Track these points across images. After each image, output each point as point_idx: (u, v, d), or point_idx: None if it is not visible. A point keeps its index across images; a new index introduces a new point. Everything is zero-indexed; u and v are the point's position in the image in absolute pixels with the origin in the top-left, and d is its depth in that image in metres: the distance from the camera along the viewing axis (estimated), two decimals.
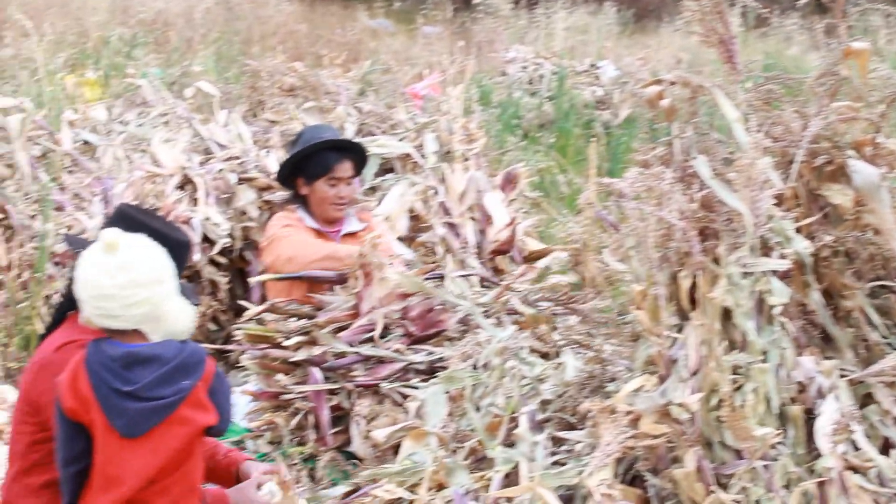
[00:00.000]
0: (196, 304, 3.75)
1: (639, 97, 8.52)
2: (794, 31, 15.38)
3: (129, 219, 3.38)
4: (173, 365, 2.99)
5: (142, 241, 3.09)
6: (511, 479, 3.62)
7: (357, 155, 5.37)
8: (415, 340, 4.66)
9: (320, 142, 5.27)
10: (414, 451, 3.84)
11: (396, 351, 4.57)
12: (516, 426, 3.80)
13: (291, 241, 5.09)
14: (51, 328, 3.42)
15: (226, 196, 6.24)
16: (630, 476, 3.48)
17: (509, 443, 3.78)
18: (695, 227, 3.25)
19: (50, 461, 3.15)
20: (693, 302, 3.31)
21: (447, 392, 4.10)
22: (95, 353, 3.03)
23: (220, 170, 6.31)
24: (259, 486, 3.46)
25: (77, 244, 3.36)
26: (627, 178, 3.29)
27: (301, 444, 4.58)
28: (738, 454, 3.27)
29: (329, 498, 3.96)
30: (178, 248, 3.25)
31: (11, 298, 5.93)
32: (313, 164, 5.24)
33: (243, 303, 5.06)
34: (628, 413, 3.25)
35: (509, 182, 6.55)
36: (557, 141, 9.99)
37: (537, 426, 3.76)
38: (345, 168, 5.25)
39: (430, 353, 4.56)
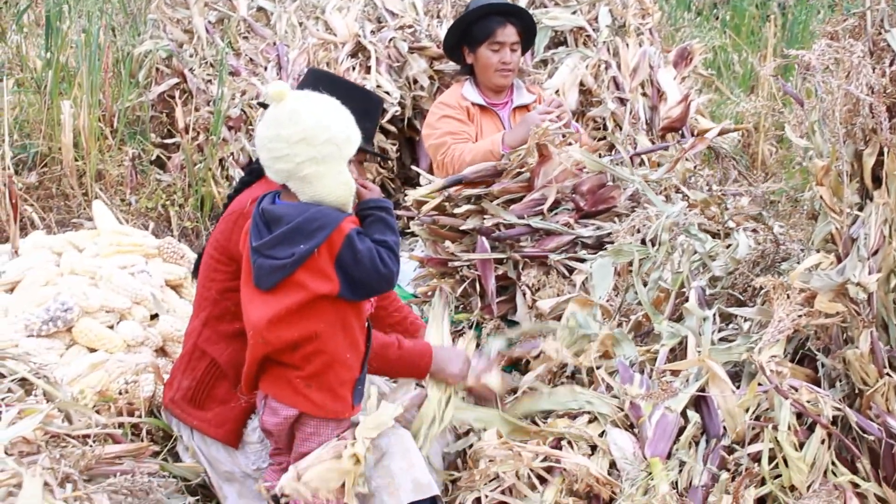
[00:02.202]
0: (390, 158, 3.77)
1: None
2: None
3: (319, 76, 3.45)
4: (291, 227, 3.00)
5: (311, 101, 3.05)
6: (677, 354, 3.62)
7: (522, 22, 5.27)
8: (584, 215, 4.63)
9: (482, 5, 5.22)
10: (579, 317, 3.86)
11: (566, 225, 4.55)
12: (684, 302, 3.78)
13: (451, 150, 5.06)
14: (249, 182, 3.53)
15: (397, 65, 6.26)
16: (800, 355, 3.44)
17: (676, 318, 3.77)
18: (884, 103, 3.12)
19: (241, 310, 3.26)
20: (877, 180, 3.20)
21: (614, 265, 4.09)
22: (257, 207, 3.12)
23: (392, 38, 6.33)
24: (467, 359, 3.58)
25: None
26: (815, 50, 3.17)
27: (466, 310, 4.65)
28: None
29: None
30: (375, 103, 3.28)
31: (187, 160, 6.11)
32: (476, 29, 5.19)
33: (417, 168, 5.08)
34: (803, 291, 3.19)
35: (683, 58, 6.39)
36: (731, 19, 9.68)
37: (706, 302, 3.73)
38: (508, 33, 5.18)
39: (599, 228, 4.54)
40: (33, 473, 2.48)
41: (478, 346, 3.92)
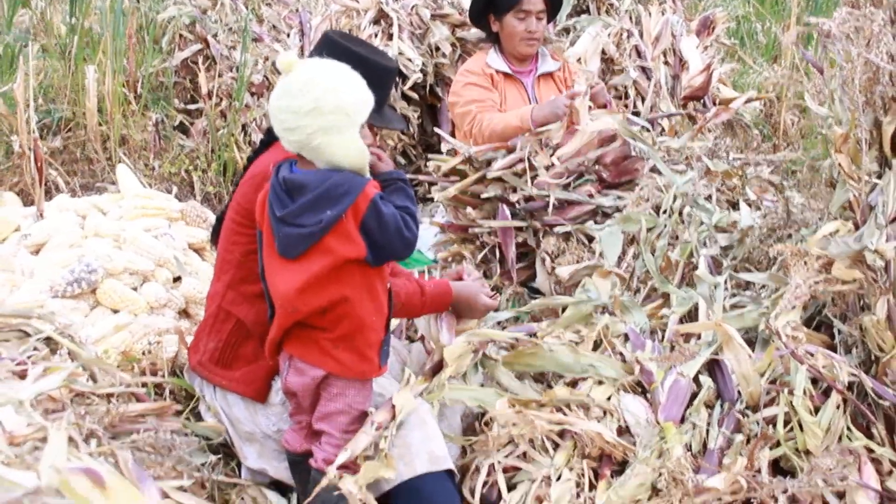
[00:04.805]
0: (402, 128, 3.81)
1: None
2: None
3: (332, 43, 3.46)
4: (317, 194, 3.03)
5: (320, 69, 3.07)
6: (687, 322, 3.66)
7: None
8: (607, 186, 4.65)
9: None
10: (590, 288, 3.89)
11: (588, 195, 4.57)
12: (694, 270, 3.81)
13: (478, 120, 5.07)
14: (268, 143, 3.56)
15: (419, 32, 6.28)
16: (816, 322, 3.46)
17: (689, 285, 3.80)
18: None
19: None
20: (895, 148, 3.22)
21: (623, 233, 4.12)
22: (275, 175, 3.15)
23: (415, 6, 6.34)
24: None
25: None
26: (836, 18, 3.17)
27: (486, 276, 4.68)
28: None
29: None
30: (382, 73, 3.29)
31: (211, 126, 6.15)
32: None
33: (440, 132, 5.09)
34: (820, 257, 3.21)
35: (706, 27, 6.39)
36: None
37: (717, 269, 3.75)
38: (534, 1, 5.16)
39: (619, 198, 4.55)
40: (58, 428, 2.53)
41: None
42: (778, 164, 4.96)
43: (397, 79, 6.01)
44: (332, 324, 3.12)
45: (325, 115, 2.98)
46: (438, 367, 3.51)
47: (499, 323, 4.16)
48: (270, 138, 3.50)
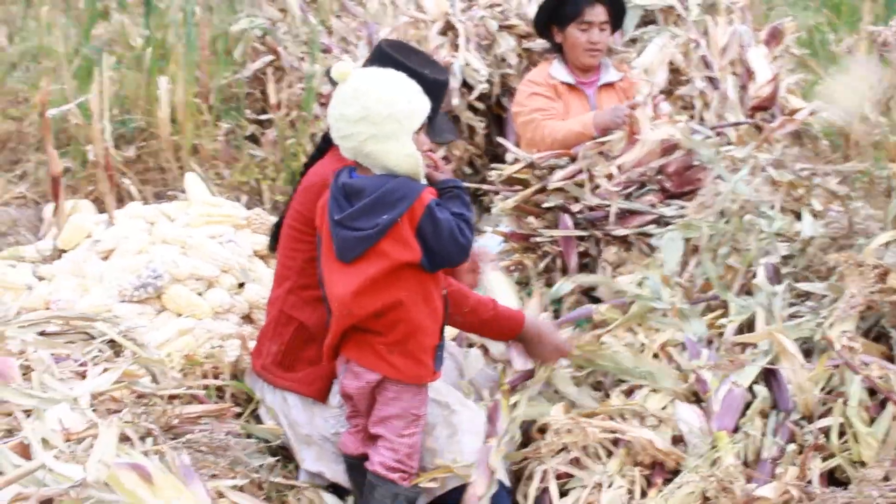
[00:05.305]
0: (453, 139, 3.85)
1: None
2: None
3: (384, 55, 3.51)
4: (373, 198, 3.09)
5: (370, 77, 3.14)
6: (745, 331, 3.65)
7: (611, 1, 5.28)
8: (670, 196, 4.64)
9: None
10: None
11: (651, 205, 4.57)
12: (754, 278, 3.79)
13: (541, 127, 5.11)
14: (324, 150, 3.62)
15: (486, 43, 6.31)
16: (875, 332, 3.43)
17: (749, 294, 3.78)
18: None
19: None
20: None
21: (683, 240, 4.11)
22: (335, 180, 3.22)
23: (482, 17, 6.38)
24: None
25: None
26: (892, 26, 3.16)
27: (548, 285, 4.69)
28: None
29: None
30: (432, 86, 3.33)
31: (280, 136, 6.25)
32: (565, 9, 5.23)
33: (502, 140, 5.12)
34: (877, 267, 3.19)
35: (774, 37, 6.34)
36: None
37: (776, 278, 3.73)
38: (596, 13, 5.20)
39: (682, 208, 4.54)
40: (109, 425, 2.60)
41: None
42: (846, 175, 4.91)
43: (463, 89, 6.06)
44: (387, 328, 3.17)
45: (377, 124, 3.06)
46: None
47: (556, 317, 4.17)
48: (326, 145, 3.56)
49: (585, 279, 4.25)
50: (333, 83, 3.18)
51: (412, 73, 3.26)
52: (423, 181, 3.19)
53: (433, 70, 3.54)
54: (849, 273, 3.21)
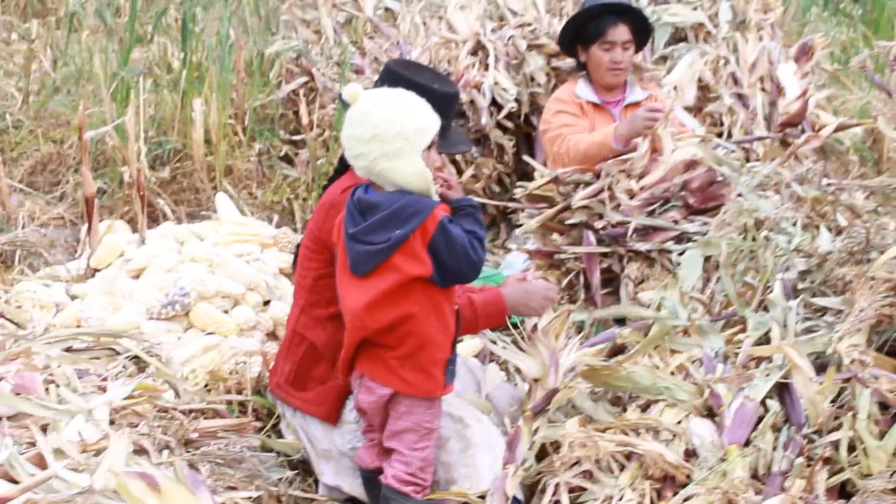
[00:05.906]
0: (467, 150, 3.91)
1: None
2: None
3: (393, 74, 3.58)
4: (387, 214, 3.17)
5: (382, 98, 3.23)
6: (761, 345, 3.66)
7: (634, 20, 5.31)
8: (693, 212, 4.67)
9: (593, 6, 5.28)
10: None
11: (673, 221, 4.60)
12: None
13: (566, 141, 5.15)
14: (341, 171, 3.69)
15: (515, 62, 6.36)
16: (889, 346, 3.43)
17: (764, 310, 3.80)
18: None
19: (335, 295, 3.44)
20: None
21: (703, 256, 4.13)
22: (351, 196, 3.29)
23: (511, 36, 6.43)
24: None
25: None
26: None
27: (571, 301, 4.72)
28: None
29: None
30: (441, 100, 3.39)
31: (312, 155, 6.33)
32: (588, 28, 5.27)
33: (528, 159, 5.17)
34: (888, 280, 3.20)
35: (804, 53, 6.35)
36: (869, 13, 9.46)
37: (792, 293, 3.74)
38: (619, 32, 5.22)
39: (705, 224, 4.56)
40: (120, 436, 2.68)
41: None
42: (875, 190, 4.90)
43: (492, 108, 6.11)
44: (398, 341, 3.23)
45: (385, 142, 3.14)
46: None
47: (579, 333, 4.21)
48: (343, 167, 3.64)
49: (602, 313, 4.28)
50: (345, 105, 3.26)
51: (421, 90, 3.32)
52: (436, 198, 3.25)
53: (442, 84, 3.60)
54: (860, 287, 3.22)
